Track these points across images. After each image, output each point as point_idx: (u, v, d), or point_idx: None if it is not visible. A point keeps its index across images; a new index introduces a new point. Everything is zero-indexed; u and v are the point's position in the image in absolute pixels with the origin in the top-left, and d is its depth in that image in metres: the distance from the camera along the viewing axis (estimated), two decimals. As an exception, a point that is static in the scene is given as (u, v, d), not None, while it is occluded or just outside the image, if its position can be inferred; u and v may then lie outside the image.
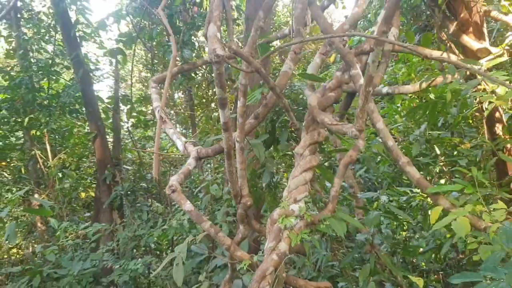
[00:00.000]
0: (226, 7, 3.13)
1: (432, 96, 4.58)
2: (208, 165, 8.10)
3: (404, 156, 3.32)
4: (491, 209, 2.97)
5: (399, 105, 5.49)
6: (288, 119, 3.67)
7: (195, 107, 8.33)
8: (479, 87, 3.48)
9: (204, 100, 8.24)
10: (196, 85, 7.12)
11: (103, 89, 17.94)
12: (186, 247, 3.12)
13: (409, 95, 5.64)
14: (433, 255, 4.72)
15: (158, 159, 3.15)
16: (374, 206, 3.81)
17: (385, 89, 4.37)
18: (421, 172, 4.77)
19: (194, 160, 3.62)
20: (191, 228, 5.80)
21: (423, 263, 5.31)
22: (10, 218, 5.55)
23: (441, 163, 4.16)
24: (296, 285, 3.26)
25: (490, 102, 3.23)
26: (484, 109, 3.63)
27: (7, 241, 5.55)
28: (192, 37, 5.71)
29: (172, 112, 8.60)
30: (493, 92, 3.47)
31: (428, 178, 4.79)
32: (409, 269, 4.98)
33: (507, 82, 3.13)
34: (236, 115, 3.33)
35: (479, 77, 3.62)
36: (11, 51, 8.27)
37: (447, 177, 4.28)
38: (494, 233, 2.61)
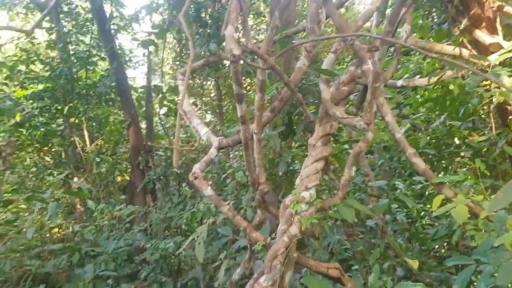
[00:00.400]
0: (243, 9, 3.37)
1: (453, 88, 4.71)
2: (236, 153, 8.43)
3: (411, 148, 3.52)
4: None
5: (419, 96, 5.61)
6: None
7: (223, 97, 8.65)
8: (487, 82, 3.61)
9: (231, 90, 8.51)
10: (223, 76, 7.41)
11: (138, 75, 18.43)
12: (207, 228, 3.44)
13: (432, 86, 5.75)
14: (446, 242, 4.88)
15: (178, 151, 3.46)
16: (385, 194, 4.02)
17: (399, 82, 4.52)
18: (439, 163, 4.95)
19: (215, 149, 3.92)
20: (217, 212, 6.14)
21: (443, 250, 5.48)
22: (52, 199, 6.02)
23: (450, 154, 4.31)
24: (307, 265, 3.54)
25: (491, 96, 3.37)
26: (492, 103, 3.76)
27: (49, 221, 6.04)
28: (218, 30, 5.97)
29: (201, 101, 8.95)
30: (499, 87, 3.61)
31: (443, 166, 4.94)
32: (425, 255, 5.17)
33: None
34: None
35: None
36: (52, 44, 8.77)
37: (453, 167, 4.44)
38: (483, 220, 2.79)
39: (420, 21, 4.98)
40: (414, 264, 2.69)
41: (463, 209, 2.99)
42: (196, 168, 3.58)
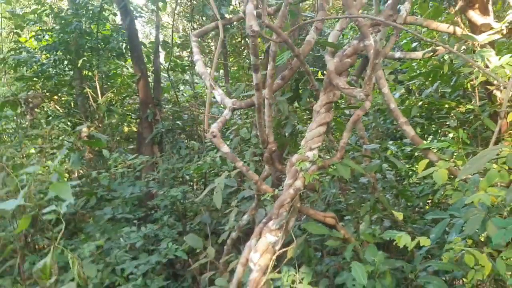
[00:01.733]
0: (262, -13, 3.75)
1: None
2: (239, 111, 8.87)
3: (403, 117, 4.02)
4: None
5: (415, 64, 6.05)
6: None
7: (228, 55, 9.00)
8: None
9: (236, 49, 8.88)
10: (230, 36, 7.75)
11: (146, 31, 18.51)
12: (224, 179, 3.99)
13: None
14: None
15: (208, 117, 3.93)
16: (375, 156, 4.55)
17: (397, 54, 4.96)
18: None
19: (229, 111, 4.39)
20: (222, 164, 6.67)
21: (427, 206, 6.10)
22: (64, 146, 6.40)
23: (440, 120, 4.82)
24: (307, 213, 4.13)
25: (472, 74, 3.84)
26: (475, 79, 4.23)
27: (71, 167, 6.54)
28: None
29: (209, 59, 9.30)
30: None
31: (434, 130, 5.46)
32: (411, 210, 5.78)
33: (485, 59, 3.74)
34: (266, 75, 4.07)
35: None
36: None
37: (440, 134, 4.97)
38: (459, 182, 3.33)
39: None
40: (399, 216, 3.25)
41: (443, 172, 3.52)
42: (214, 127, 4.06)
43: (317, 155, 3.91)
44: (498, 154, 2.70)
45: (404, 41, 7.05)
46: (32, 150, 7.35)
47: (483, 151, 2.71)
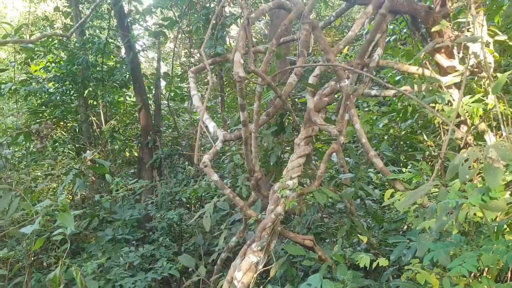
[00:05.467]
0: (248, 37, 4.30)
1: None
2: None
3: (373, 150, 4.53)
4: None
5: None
6: (292, 116, 4.90)
7: (225, 85, 9.59)
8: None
9: (232, 81, 9.46)
10: (226, 69, 8.34)
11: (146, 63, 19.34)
12: (213, 205, 4.47)
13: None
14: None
15: (198, 152, 4.44)
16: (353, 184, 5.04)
17: (373, 92, 5.50)
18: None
19: (221, 142, 4.90)
20: (217, 189, 7.15)
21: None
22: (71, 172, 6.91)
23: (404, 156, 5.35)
24: (288, 236, 4.59)
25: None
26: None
27: (76, 191, 7.05)
28: (224, 33, 6.90)
29: (204, 88, 9.87)
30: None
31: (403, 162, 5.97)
32: (388, 233, 6.22)
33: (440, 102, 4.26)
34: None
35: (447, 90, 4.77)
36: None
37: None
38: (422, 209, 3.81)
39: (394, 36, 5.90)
40: (364, 239, 3.74)
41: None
42: (206, 158, 4.55)
43: (297, 184, 4.40)
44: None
45: (390, 74, 7.63)
46: (39, 173, 7.89)
47: (421, 187, 3.20)
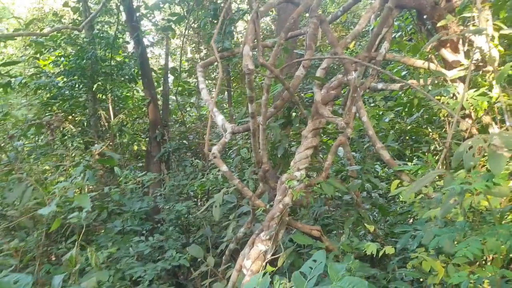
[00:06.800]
0: (257, 31, 4.37)
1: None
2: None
3: (379, 142, 4.59)
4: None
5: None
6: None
7: (232, 81, 9.68)
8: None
9: (239, 75, 9.56)
10: (234, 64, 8.42)
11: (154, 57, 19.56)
12: (222, 196, 4.56)
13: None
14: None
15: (209, 141, 4.53)
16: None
17: (380, 85, 5.56)
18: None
19: (229, 134, 4.99)
20: (224, 182, 7.24)
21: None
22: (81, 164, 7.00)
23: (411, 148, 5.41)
24: (295, 226, 4.68)
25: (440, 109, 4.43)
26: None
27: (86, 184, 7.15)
28: (232, 28, 6.98)
29: (213, 85, 9.99)
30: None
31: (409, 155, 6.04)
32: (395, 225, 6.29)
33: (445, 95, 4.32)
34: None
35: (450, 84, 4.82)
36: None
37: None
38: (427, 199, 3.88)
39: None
40: (371, 228, 3.80)
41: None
42: (215, 149, 4.64)
43: (304, 175, 4.48)
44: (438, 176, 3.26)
45: (396, 69, 7.68)
46: (47, 167, 8.01)
47: (427, 174, 3.27)
